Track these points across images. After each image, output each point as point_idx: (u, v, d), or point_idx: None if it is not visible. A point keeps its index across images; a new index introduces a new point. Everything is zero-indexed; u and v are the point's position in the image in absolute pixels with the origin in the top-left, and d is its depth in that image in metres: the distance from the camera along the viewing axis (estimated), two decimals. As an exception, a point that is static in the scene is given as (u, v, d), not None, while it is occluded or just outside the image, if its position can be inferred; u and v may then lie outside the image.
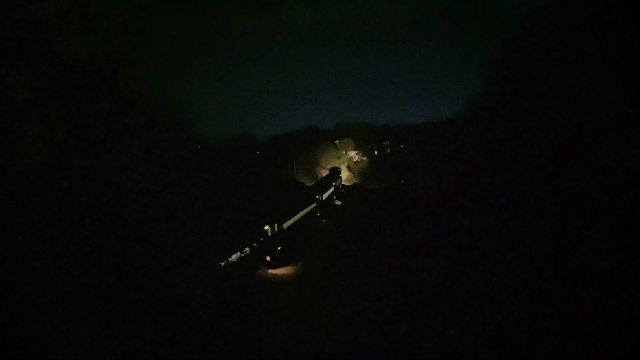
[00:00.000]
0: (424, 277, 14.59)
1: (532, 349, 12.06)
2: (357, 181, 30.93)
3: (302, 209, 23.60)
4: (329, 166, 32.01)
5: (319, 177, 30.78)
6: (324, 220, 23.92)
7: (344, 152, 33.28)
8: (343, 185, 30.43)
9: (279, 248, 19.60)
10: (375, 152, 32.71)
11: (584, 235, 12.93)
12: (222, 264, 16.45)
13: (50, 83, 12.43)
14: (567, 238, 13.22)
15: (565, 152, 14.04)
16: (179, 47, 13.41)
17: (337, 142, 33.71)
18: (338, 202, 27.05)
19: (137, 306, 12.35)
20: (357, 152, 33.60)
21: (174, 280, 13.29)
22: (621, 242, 12.35)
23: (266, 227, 19.81)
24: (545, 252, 13.22)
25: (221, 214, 16.51)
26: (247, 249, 18.00)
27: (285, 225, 21.14)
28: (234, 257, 17.31)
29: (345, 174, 32.29)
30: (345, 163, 33.31)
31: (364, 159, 33.15)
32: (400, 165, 30.13)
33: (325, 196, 26.93)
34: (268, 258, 19.19)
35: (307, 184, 28.44)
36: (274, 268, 18.83)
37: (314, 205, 24.62)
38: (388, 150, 32.80)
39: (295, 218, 22.26)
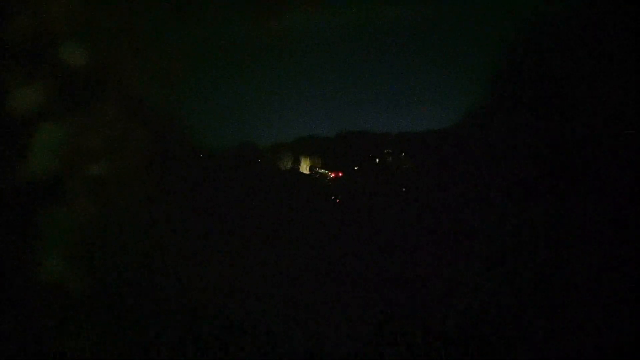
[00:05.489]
0: (424, 279, 14.64)
1: (532, 350, 12.13)
2: (357, 188, 30.97)
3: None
4: (330, 171, 32.07)
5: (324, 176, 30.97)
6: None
7: (345, 160, 33.29)
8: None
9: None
10: (377, 160, 32.74)
11: (588, 245, 13.00)
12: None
13: (55, 89, 12.53)
14: (571, 246, 13.26)
15: (570, 160, 14.10)
16: (179, 52, 13.58)
17: (337, 150, 33.77)
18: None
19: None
20: (358, 160, 33.63)
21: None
22: (623, 244, 12.41)
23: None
24: (550, 262, 13.25)
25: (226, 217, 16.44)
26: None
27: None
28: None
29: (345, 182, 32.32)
30: (347, 171, 33.33)
31: (366, 167, 33.19)
32: (401, 174, 30.16)
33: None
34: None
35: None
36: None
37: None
38: (390, 159, 32.82)
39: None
